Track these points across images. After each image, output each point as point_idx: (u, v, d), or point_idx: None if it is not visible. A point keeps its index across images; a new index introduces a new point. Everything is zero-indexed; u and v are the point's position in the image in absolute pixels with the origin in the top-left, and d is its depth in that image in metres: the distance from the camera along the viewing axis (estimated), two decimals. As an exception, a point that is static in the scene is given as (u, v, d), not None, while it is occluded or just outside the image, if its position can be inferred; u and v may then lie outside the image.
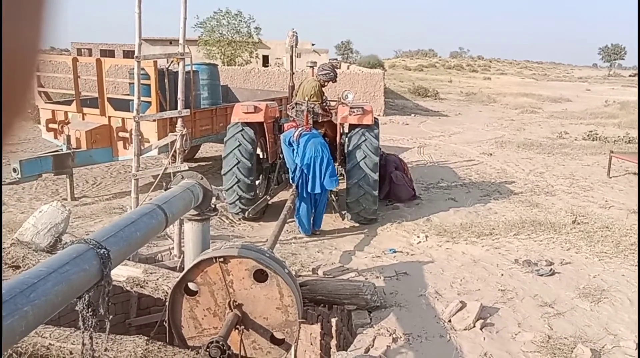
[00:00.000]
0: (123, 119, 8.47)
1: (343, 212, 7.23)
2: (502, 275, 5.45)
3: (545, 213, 7.60)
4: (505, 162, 11.73)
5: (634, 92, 37.56)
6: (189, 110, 6.32)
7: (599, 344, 4.09)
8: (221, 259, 3.85)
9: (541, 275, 5.40)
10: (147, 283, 4.68)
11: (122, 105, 8.75)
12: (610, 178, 10.19)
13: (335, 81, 7.70)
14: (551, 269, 5.51)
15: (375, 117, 7.37)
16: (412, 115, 21.44)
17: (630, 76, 79.57)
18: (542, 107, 27.55)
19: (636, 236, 6.56)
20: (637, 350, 4.03)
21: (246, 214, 7.03)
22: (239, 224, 7.20)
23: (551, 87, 43.42)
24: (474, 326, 4.31)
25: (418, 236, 6.60)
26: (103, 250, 2.63)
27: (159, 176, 5.90)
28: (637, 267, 5.65)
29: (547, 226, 6.89)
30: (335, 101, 7.82)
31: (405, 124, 18.72)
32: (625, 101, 28.53)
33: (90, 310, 2.65)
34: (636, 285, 5.22)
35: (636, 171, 10.49)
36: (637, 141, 13.43)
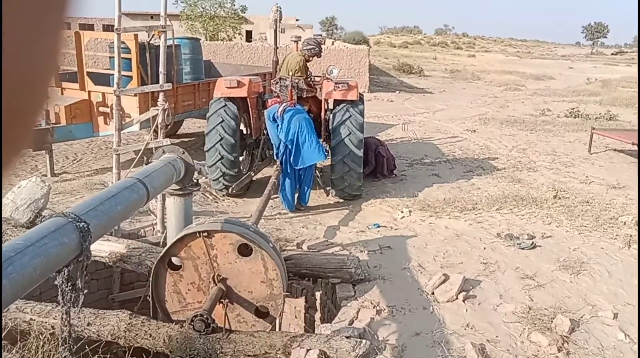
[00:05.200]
0: (103, 94, 8.30)
1: (327, 188, 7.22)
2: (485, 248, 5.52)
3: (527, 188, 7.68)
4: (489, 138, 11.79)
5: (615, 70, 37.94)
6: (171, 84, 6.20)
7: (577, 314, 4.18)
8: (205, 233, 3.83)
9: (523, 249, 5.47)
10: (130, 258, 4.65)
11: (102, 79, 8.57)
12: (591, 154, 10.32)
13: (320, 56, 7.59)
14: (532, 242, 5.58)
15: (360, 93, 7.31)
16: (397, 92, 21.39)
17: (612, 54, 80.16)
18: (525, 84, 27.70)
19: (615, 210, 6.67)
20: (616, 320, 4.12)
21: (230, 190, 6.97)
22: (223, 200, 7.16)
23: (534, 65, 43.60)
24: (457, 298, 4.37)
25: (402, 212, 6.63)
26: (82, 223, 2.59)
27: (141, 152, 5.82)
28: (616, 240, 5.76)
29: (529, 201, 6.97)
30: (320, 76, 7.73)
31: (390, 101, 18.68)
32: (607, 78, 28.80)
33: (69, 284, 2.61)
34: (614, 257, 5.33)
35: (617, 148, 10.63)
36: (637, 119, 13.52)
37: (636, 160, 9.74)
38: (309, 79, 7.46)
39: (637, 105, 17.10)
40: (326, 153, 6.96)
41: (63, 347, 2.89)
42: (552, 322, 3.98)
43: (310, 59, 7.41)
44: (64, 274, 2.59)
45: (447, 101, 19.37)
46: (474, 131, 12.78)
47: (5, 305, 2.10)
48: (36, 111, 0.40)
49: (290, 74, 7.14)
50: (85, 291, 2.73)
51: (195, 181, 4.49)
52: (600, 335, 3.93)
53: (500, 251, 5.44)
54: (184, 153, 4.32)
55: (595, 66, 46.65)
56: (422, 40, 72.38)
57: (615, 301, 4.43)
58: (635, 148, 9.79)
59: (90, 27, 36.25)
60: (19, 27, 0.35)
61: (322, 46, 8.00)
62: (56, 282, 2.62)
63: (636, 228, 5.96)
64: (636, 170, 9.06)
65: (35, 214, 5.12)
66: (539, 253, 5.42)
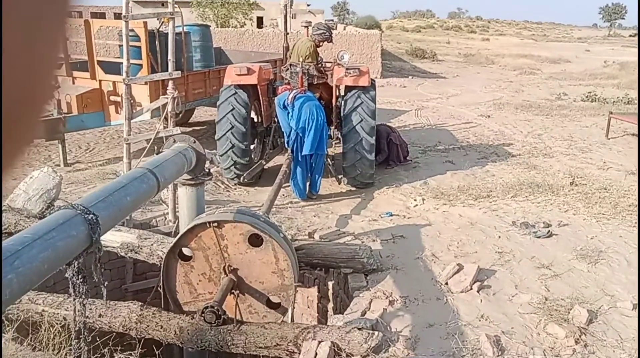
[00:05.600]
0: (114, 82, 8.28)
1: (339, 176, 7.15)
2: (500, 237, 5.43)
3: (543, 175, 7.54)
4: (503, 124, 11.60)
5: (633, 53, 37.11)
6: (180, 72, 6.15)
7: (595, 305, 4.09)
8: (215, 224, 3.79)
9: (538, 237, 5.37)
10: (141, 248, 4.64)
11: (113, 68, 8.54)
12: (609, 139, 10.11)
13: (331, 41, 7.48)
14: (549, 231, 5.48)
15: (372, 79, 7.20)
16: (410, 77, 21.14)
17: (630, 36, 78.50)
18: (540, 68, 27.23)
19: (634, 197, 6.52)
20: (636, 310, 4.03)
21: (241, 179, 6.94)
22: (235, 189, 7.13)
23: (550, 48, 42.82)
24: (471, 288, 4.30)
25: (415, 200, 6.55)
26: (91, 215, 2.55)
27: (151, 141, 5.79)
28: (636, 228, 5.63)
29: (545, 188, 6.84)
30: (331, 62, 7.62)
31: (403, 86, 18.47)
32: (624, 61, 28.19)
33: (80, 276, 2.59)
34: (633, 246, 5.21)
35: (635, 132, 10.40)
36: (637, 102, 13.29)
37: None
38: (319, 65, 7.36)
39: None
40: (327, 144, 6.87)
41: (77, 341, 2.88)
42: (569, 313, 3.90)
43: (321, 44, 7.29)
44: (74, 267, 2.56)
45: (460, 85, 19.11)
46: (489, 116, 12.59)
47: (14, 299, 2.08)
48: (42, 102, 0.39)
49: (301, 60, 7.05)
50: (105, 283, 2.71)
51: (207, 170, 4.44)
52: (619, 326, 3.85)
53: (515, 240, 5.35)
54: (195, 142, 4.27)
55: (612, 48, 45.70)
56: (435, 24, 71.43)
57: (635, 291, 4.32)
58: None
59: (102, 16, 36.27)
60: (20, 15, 0.34)
61: (333, 32, 7.88)
62: (66, 275, 2.60)
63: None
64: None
65: (48, 205, 5.13)
66: (556, 241, 5.32)
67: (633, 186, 7.04)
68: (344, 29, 26.64)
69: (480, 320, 3.90)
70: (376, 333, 3.45)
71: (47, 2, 0.36)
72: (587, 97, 15.27)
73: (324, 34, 7.22)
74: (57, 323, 3.46)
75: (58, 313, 3.53)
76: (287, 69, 7.23)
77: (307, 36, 7.53)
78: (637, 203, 6.29)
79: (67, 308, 3.53)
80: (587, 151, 9.25)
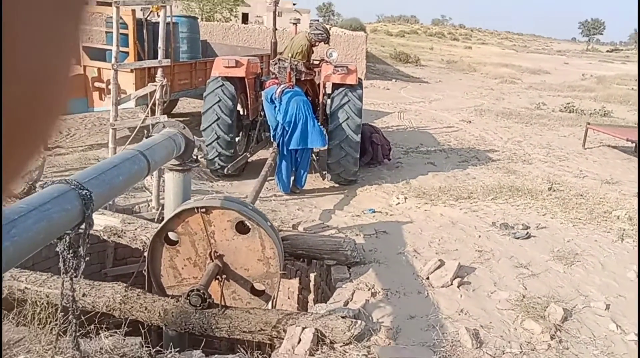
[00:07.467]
0: (99, 69, 8.17)
1: (323, 172, 7.19)
2: (480, 236, 5.54)
3: (522, 180, 7.72)
4: (484, 130, 11.81)
5: (610, 68, 38.11)
6: (169, 60, 6.13)
7: (570, 304, 4.22)
8: (203, 209, 3.81)
9: (517, 238, 5.50)
10: (125, 233, 4.61)
11: (98, 54, 8.43)
12: (585, 149, 10.37)
13: (327, 43, 7.49)
14: (527, 232, 5.62)
15: (359, 78, 7.26)
16: (393, 80, 21.33)
17: (607, 51, 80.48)
18: (521, 78, 27.75)
19: (609, 204, 6.73)
20: (608, 310, 4.18)
21: (225, 171, 6.92)
22: (218, 180, 7.12)
23: (530, 59, 43.65)
24: (452, 284, 4.39)
25: (397, 198, 6.64)
26: (85, 191, 2.55)
27: (137, 128, 5.76)
28: (610, 233, 5.81)
29: (524, 192, 7.00)
30: (319, 60, 7.67)
31: (386, 89, 18.62)
32: (602, 75, 28.94)
33: (71, 251, 2.58)
34: (607, 250, 5.38)
35: (611, 144, 10.70)
36: (636, 114, 13.62)
37: (630, 156, 9.82)
38: (308, 63, 7.40)
39: (633, 102, 17.23)
40: (325, 139, 6.89)
41: (64, 314, 2.86)
42: (545, 310, 4.01)
43: (317, 44, 7.33)
44: (65, 241, 2.55)
45: (443, 91, 19.36)
46: (470, 121, 12.80)
47: (8, 268, 2.06)
48: (56, 110, 0.35)
49: (290, 56, 7.08)
50: (86, 260, 2.70)
51: (194, 157, 4.44)
52: (592, 325, 3.98)
53: (495, 240, 5.47)
54: (184, 128, 4.27)
55: (590, 62, 46.80)
56: (418, 30, 72.11)
57: (608, 292, 4.48)
58: (629, 144, 9.87)
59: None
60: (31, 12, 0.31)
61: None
62: (57, 249, 2.59)
63: (630, 222, 6.02)
64: (630, 166, 9.13)
65: (30, 186, 5.06)
66: (534, 243, 5.46)
67: (608, 194, 7.26)
68: (330, 29, 26.71)
69: (459, 314, 3.99)
70: (359, 322, 3.51)
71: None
72: (565, 108, 15.63)
73: (322, 34, 7.26)
74: (41, 300, 3.42)
75: (41, 291, 3.49)
76: (276, 63, 7.25)
77: (295, 33, 7.56)
78: (610, 209, 6.49)
79: (50, 286, 3.50)
80: (564, 159, 9.48)
